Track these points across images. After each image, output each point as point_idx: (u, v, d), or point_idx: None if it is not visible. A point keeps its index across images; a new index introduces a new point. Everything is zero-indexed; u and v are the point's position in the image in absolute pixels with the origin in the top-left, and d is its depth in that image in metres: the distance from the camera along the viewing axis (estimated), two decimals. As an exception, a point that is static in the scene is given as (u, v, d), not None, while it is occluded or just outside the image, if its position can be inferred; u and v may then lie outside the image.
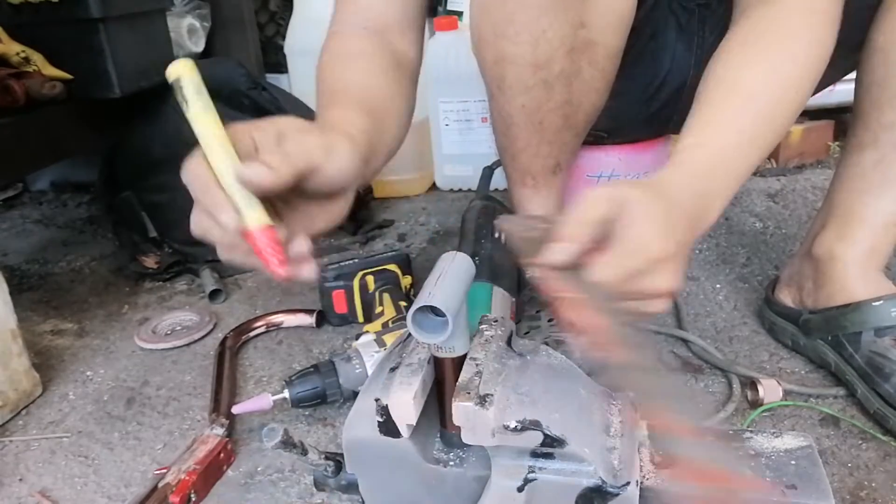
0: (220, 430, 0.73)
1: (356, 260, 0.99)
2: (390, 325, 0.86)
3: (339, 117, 0.59)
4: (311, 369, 0.78)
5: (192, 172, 0.45)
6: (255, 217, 0.44)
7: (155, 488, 0.65)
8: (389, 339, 0.80)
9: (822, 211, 0.83)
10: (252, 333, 0.97)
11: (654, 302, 0.50)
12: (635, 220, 0.48)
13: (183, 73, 0.44)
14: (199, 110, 0.44)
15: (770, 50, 0.64)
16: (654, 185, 0.54)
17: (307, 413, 0.79)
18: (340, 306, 0.97)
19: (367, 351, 0.78)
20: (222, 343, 0.91)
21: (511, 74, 0.75)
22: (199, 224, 0.47)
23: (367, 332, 0.83)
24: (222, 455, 0.70)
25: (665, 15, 0.87)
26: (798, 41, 0.65)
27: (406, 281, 0.99)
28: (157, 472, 0.70)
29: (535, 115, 0.78)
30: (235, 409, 0.75)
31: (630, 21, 0.76)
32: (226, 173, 0.43)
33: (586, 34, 0.72)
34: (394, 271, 0.98)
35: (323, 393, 0.76)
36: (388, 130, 0.67)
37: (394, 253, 1.01)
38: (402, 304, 0.91)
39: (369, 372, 0.77)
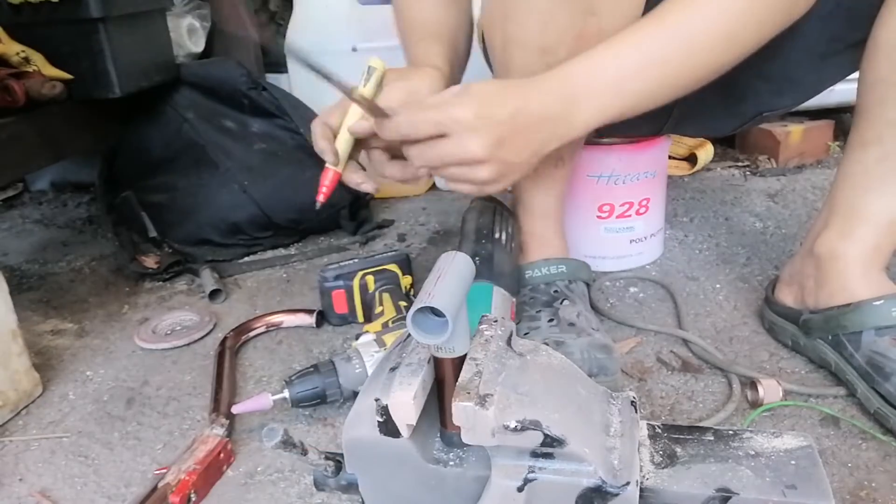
0: (220, 430, 0.73)
1: (356, 260, 0.99)
2: (390, 325, 0.86)
3: (423, 52, 0.81)
4: (311, 369, 0.78)
5: (316, 122, 0.76)
6: (332, 161, 0.76)
7: (155, 488, 0.65)
8: (389, 339, 0.80)
9: (824, 209, 0.82)
10: (252, 333, 0.97)
11: (462, 186, 0.68)
12: (458, 136, 0.63)
13: (379, 66, 0.73)
14: (367, 93, 0.72)
15: None
16: (508, 86, 0.67)
17: (307, 413, 0.79)
18: (340, 306, 0.97)
19: (367, 351, 0.78)
20: (222, 343, 0.91)
21: (517, 58, 0.76)
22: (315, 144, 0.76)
23: (367, 332, 0.83)
24: (222, 455, 0.70)
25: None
26: None
27: (406, 281, 0.99)
28: (157, 472, 0.70)
29: None
30: (235, 409, 0.75)
31: (640, 11, 0.75)
32: (343, 127, 0.75)
33: (596, 22, 0.72)
34: (394, 271, 0.98)
35: (323, 393, 0.76)
36: (461, 52, 0.86)
37: (394, 253, 1.01)
38: (402, 304, 0.91)
39: (369, 372, 0.77)
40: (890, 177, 0.75)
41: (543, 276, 0.89)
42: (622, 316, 0.95)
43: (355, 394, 0.76)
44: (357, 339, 0.82)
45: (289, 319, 0.99)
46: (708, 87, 0.92)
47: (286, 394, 0.76)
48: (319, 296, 0.98)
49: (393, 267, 0.98)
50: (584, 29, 0.72)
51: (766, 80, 0.90)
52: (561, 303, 0.86)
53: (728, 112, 0.97)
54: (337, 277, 0.97)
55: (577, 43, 0.72)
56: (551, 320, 0.83)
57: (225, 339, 0.92)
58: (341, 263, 0.98)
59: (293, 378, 0.77)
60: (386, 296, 0.93)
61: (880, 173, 0.75)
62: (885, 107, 0.73)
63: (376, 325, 0.86)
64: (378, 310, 0.91)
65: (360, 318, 0.97)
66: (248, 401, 0.75)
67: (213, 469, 0.69)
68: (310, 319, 0.98)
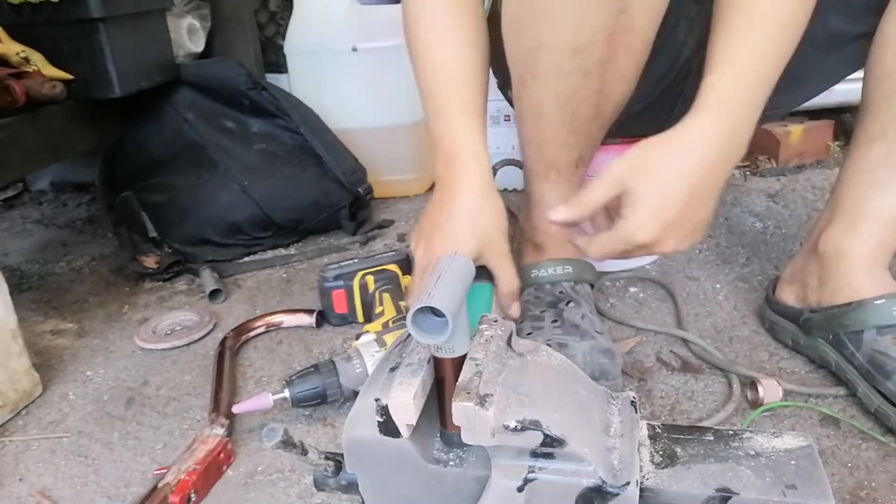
0: (220, 430, 0.73)
1: (356, 260, 0.99)
2: (390, 325, 0.86)
3: (462, 128, 0.78)
4: (312, 369, 0.78)
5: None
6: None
7: (155, 488, 0.65)
8: (390, 338, 0.80)
9: (829, 206, 0.82)
10: (252, 333, 0.97)
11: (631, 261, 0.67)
12: (632, 209, 0.65)
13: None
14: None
15: None
16: (673, 148, 0.66)
17: (307, 413, 0.79)
18: (340, 306, 0.97)
19: (368, 351, 0.79)
20: (222, 343, 0.91)
21: (547, 61, 0.74)
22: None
23: (368, 332, 0.83)
24: (222, 455, 0.70)
25: None
26: None
27: (406, 281, 0.99)
28: (157, 472, 0.70)
29: (569, 103, 0.77)
30: (236, 409, 0.75)
31: (666, 5, 0.74)
32: None
33: (627, 19, 0.71)
34: (394, 271, 0.98)
35: (323, 393, 0.77)
36: (485, 86, 0.82)
37: (394, 253, 1.01)
38: (402, 304, 0.91)
39: (370, 371, 0.77)
40: (895, 173, 0.74)
41: (549, 276, 0.88)
42: (622, 316, 0.95)
43: (356, 393, 0.76)
44: (357, 338, 0.82)
45: (289, 319, 0.99)
46: None
47: (286, 394, 0.76)
48: (319, 296, 0.98)
49: (393, 267, 0.98)
50: (615, 27, 0.71)
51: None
52: (566, 304, 0.85)
53: None
54: (337, 277, 0.96)
55: (608, 42, 0.72)
56: (555, 321, 0.83)
57: (225, 339, 0.92)
58: (341, 263, 0.98)
59: (293, 378, 0.77)
60: (386, 296, 0.93)
61: (886, 169, 0.75)
62: (891, 101, 0.72)
63: (377, 325, 0.86)
64: (378, 310, 0.91)
65: (360, 318, 0.97)
66: (249, 401, 0.75)
67: (212, 469, 0.69)
68: (310, 319, 0.98)
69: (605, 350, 0.78)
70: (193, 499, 0.66)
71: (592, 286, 0.92)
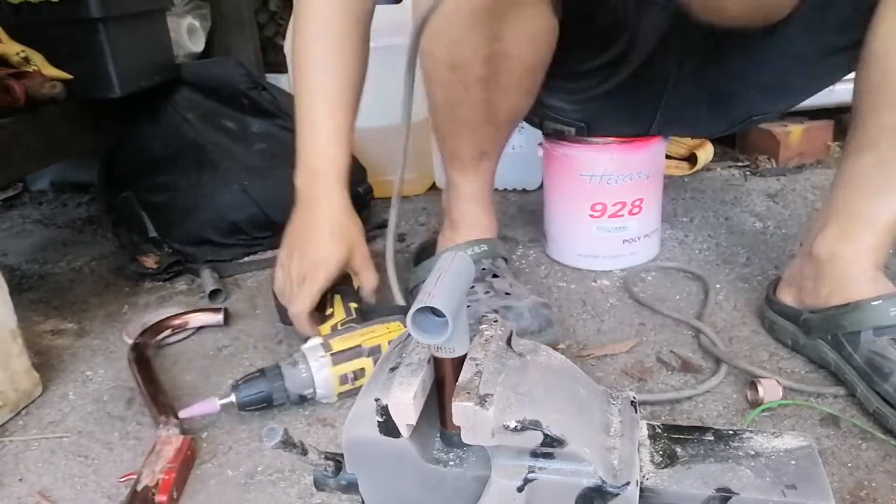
0: (176, 430, 0.74)
1: None
2: (339, 327, 0.85)
3: (330, 167, 0.90)
4: (258, 374, 0.78)
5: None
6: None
7: (135, 492, 0.65)
8: (336, 343, 0.80)
9: (823, 211, 0.83)
10: (162, 336, 0.96)
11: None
12: None
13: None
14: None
15: None
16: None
17: (307, 413, 0.79)
18: None
19: (314, 355, 0.79)
20: (135, 348, 0.90)
21: (433, 69, 0.83)
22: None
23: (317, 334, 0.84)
24: (189, 452, 0.71)
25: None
26: None
27: (357, 280, 0.96)
28: (124, 478, 0.70)
29: (455, 108, 0.86)
30: (182, 414, 0.75)
31: (548, 39, 0.82)
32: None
33: (501, 46, 0.79)
34: (346, 272, 0.94)
35: (269, 397, 0.77)
36: (355, 107, 0.91)
37: None
38: (353, 305, 0.90)
39: (315, 376, 0.78)
40: (886, 181, 0.75)
41: (470, 256, 0.91)
42: (648, 300, 0.95)
43: (301, 397, 0.78)
44: (305, 342, 0.82)
45: (196, 319, 1.00)
46: (693, 93, 0.94)
47: (233, 398, 0.76)
48: (273, 299, 0.96)
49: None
50: (490, 52, 0.79)
51: (757, 88, 0.91)
52: (492, 277, 0.92)
53: (716, 115, 0.98)
54: None
55: (486, 64, 0.80)
56: (488, 292, 0.89)
57: (137, 344, 0.92)
58: None
59: (240, 382, 0.78)
60: (337, 297, 0.91)
61: (877, 177, 0.76)
62: (879, 113, 0.74)
63: (325, 328, 0.86)
64: (329, 311, 0.90)
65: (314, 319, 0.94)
66: (196, 405, 0.76)
67: (184, 468, 0.70)
68: (218, 318, 0.99)
69: (543, 304, 0.89)
70: (175, 496, 0.66)
71: (506, 260, 0.99)
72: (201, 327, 1.00)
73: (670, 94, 0.94)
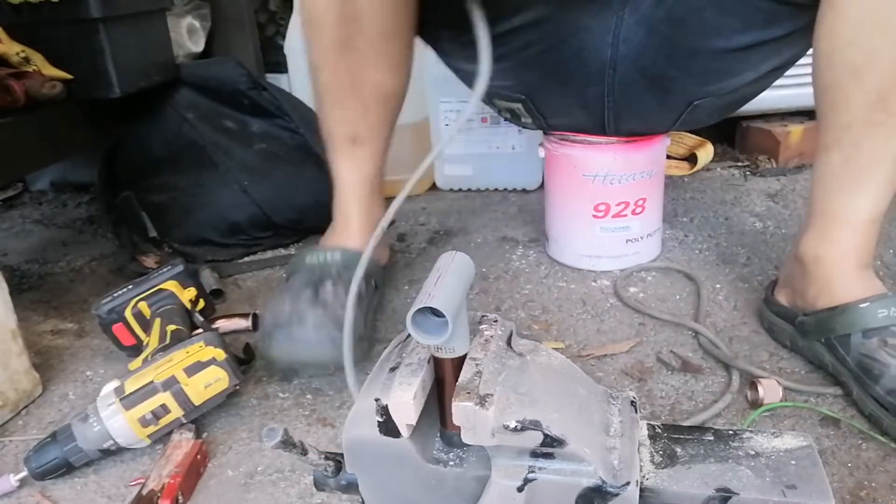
0: (190, 434, 0.74)
1: (129, 287, 0.91)
2: (150, 359, 0.78)
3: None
4: (49, 438, 0.72)
5: None
6: None
7: (140, 496, 0.65)
8: (129, 384, 0.73)
9: (806, 213, 0.83)
10: None
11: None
12: None
13: None
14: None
15: None
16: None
17: (307, 413, 0.79)
18: (127, 339, 0.90)
19: (104, 404, 0.72)
20: None
21: (306, 30, 0.87)
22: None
23: (130, 369, 0.77)
24: (199, 456, 0.71)
25: None
26: None
27: (188, 294, 0.92)
28: (133, 483, 0.70)
29: (319, 74, 0.88)
30: None
31: (403, 4, 0.84)
32: None
33: (352, 7, 0.81)
34: (169, 290, 0.91)
35: (66, 461, 0.71)
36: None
37: (168, 269, 0.93)
38: (171, 328, 0.83)
39: (108, 426, 0.71)
40: (856, 178, 0.75)
41: (309, 262, 0.91)
42: (641, 306, 0.95)
43: (104, 451, 0.72)
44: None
45: (225, 325, 0.98)
46: (635, 78, 0.94)
47: (25, 472, 0.71)
48: (105, 334, 0.91)
49: (169, 285, 0.91)
50: (342, 11, 0.81)
51: (689, 74, 0.91)
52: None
53: (661, 105, 0.97)
54: (111, 311, 0.89)
55: (339, 25, 0.82)
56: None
57: None
58: (114, 294, 0.90)
59: (30, 452, 0.71)
60: (157, 321, 0.85)
61: (847, 175, 0.76)
62: (837, 111, 0.74)
63: (137, 362, 0.79)
64: (146, 340, 0.84)
65: (154, 344, 0.85)
66: None
67: (192, 471, 0.69)
68: (246, 323, 0.98)
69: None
70: (181, 501, 0.66)
71: (373, 280, 0.96)
72: (232, 331, 0.97)
73: (611, 77, 0.92)
